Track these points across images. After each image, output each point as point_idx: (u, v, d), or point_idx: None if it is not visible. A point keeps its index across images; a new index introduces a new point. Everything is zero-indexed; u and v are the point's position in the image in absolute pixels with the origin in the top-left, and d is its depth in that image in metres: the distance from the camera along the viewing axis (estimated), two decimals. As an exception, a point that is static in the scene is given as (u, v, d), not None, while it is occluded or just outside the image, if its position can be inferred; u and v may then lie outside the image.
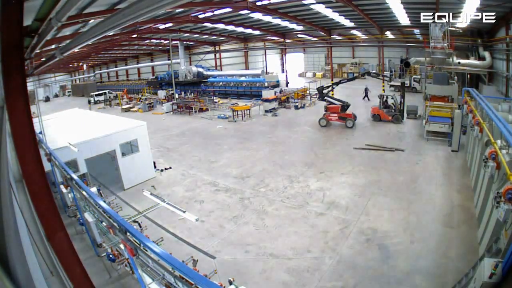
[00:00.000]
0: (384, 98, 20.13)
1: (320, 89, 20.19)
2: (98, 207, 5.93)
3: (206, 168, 14.74)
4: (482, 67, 20.63)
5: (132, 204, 11.52)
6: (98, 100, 39.67)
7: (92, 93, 41.87)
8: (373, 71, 28.71)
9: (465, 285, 5.56)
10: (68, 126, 14.99)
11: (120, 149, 12.82)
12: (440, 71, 18.28)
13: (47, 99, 50.00)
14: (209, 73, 35.62)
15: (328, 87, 20.56)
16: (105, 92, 40.72)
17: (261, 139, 18.46)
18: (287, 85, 34.46)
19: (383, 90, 27.21)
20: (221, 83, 34.73)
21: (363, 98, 27.33)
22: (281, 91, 28.49)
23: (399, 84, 23.95)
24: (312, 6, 20.40)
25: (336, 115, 19.82)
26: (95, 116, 17.78)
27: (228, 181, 13.17)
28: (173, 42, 31.97)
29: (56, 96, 55.03)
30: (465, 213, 9.38)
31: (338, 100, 20.12)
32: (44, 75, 52.92)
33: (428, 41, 18.55)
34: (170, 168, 15.00)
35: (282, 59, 45.82)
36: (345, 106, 19.72)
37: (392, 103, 19.85)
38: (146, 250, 4.45)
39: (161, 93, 35.47)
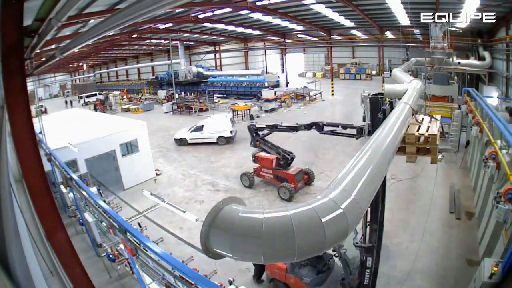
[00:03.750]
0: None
1: (252, 129, 11.88)
2: (98, 207, 5.93)
3: (206, 168, 14.74)
4: (482, 67, 20.62)
5: (132, 204, 11.52)
6: (89, 101, 38.55)
7: (82, 95, 40.98)
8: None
9: None
10: (68, 126, 14.99)
11: (120, 149, 12.82)
12: (440, 71, 18.27)
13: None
14: (209, 73, 35.61)
15: (264, 128, 11.53)
16: (95, 94, 40.12)
17: (261, 139, 18.44)
18: (287, 85, 34.47)
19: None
20: (221, 83, 34.75)
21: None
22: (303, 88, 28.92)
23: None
24: (312, 6, 20.40)
25: (270, 172, 12.00)
26: (95, 116, 17.78)
27: (228, 181, 13.17)
28: (173, 42, 31.96)
29: (56, 96, 55.01)
30: (465, 213, 9.38)
31: (276, 147, 12.01)
32: (44, 75, 52.92)
33: (428, 41, 18.54)
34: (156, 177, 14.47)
35: (282, 59, 45.83)
36: (286, 158, 11.73)
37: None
38: (146, 250, 4.45)
39: (161, 93, 35.48)
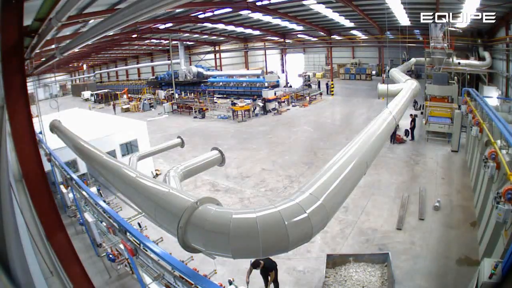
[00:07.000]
0: None
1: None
2: (98, 207, 5.93)
3: (206, 168, 14.71)
4: (482, 67, 20.62)
5: (132, 204, 11.49)
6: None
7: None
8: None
9: None
10: (68, 126, 14.94)
11: (120, 149, 12.80)
12: (440, 71, 18.27)
13: None
14: (209, 73, 35.58)
15: None
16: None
17: (261, 139, 18.45)
18: (286, 86, 34.46)
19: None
20: (221, 83, 34.71)
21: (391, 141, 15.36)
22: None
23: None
24: (312, 6, 20.41)
25: None
26: (95, 116, 17.77)
27: (228, 181, 13.17)
28: (173, 42, 31.95)
29: (56, 96, 54.97)
30: (465, 213, 9.38)
31: None
32: (44, 75, 52.89)
33: (428, 41, 18.55)
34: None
35: (282, 59, 45.81)
36: None
37: None
38: (146, 250, 4.45)
39: (161, 93, 35.47)
